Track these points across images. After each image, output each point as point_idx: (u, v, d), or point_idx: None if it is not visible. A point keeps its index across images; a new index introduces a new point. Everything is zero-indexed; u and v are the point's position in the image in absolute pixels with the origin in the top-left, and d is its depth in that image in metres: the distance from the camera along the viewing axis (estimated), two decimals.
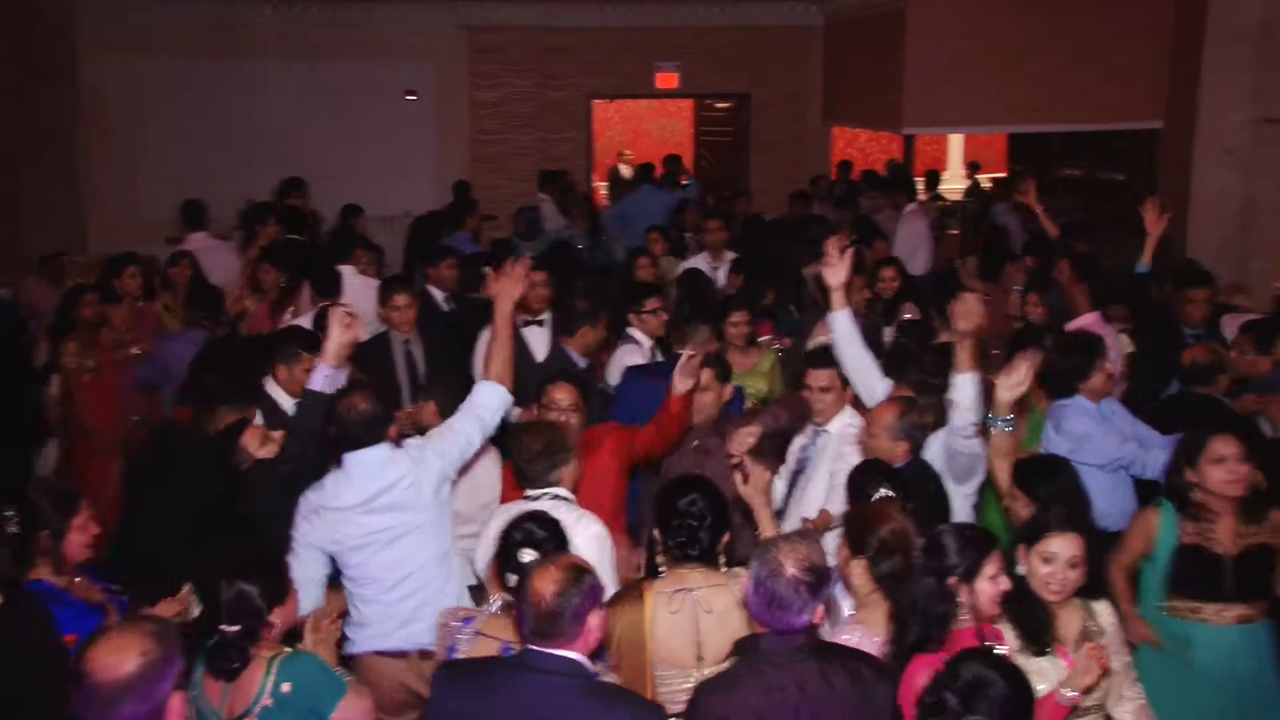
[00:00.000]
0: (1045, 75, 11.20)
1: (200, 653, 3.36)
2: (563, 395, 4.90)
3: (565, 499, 4.19)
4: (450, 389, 5.11)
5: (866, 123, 14.34)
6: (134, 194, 13.06)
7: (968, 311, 4.41)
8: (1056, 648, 3.47)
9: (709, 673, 3.35)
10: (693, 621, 3.54)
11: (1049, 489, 4.07)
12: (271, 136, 13.36)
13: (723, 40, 14.60)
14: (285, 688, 3.28)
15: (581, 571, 3.04)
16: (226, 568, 3.42)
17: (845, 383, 4.99)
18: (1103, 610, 3.59)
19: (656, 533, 3.75)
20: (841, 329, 4.92)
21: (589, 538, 3.99)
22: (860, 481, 4.04)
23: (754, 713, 2.91)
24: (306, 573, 4.13)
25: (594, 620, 3.01)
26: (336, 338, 4.52)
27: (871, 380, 4.90)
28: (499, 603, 3.58)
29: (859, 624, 3.43)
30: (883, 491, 3.93)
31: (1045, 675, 3.40)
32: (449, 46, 14.19)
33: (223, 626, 3.34)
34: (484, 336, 6.50)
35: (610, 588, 3.83)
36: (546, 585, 2.97)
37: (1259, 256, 10.92)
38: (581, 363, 6.10)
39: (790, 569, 2.94)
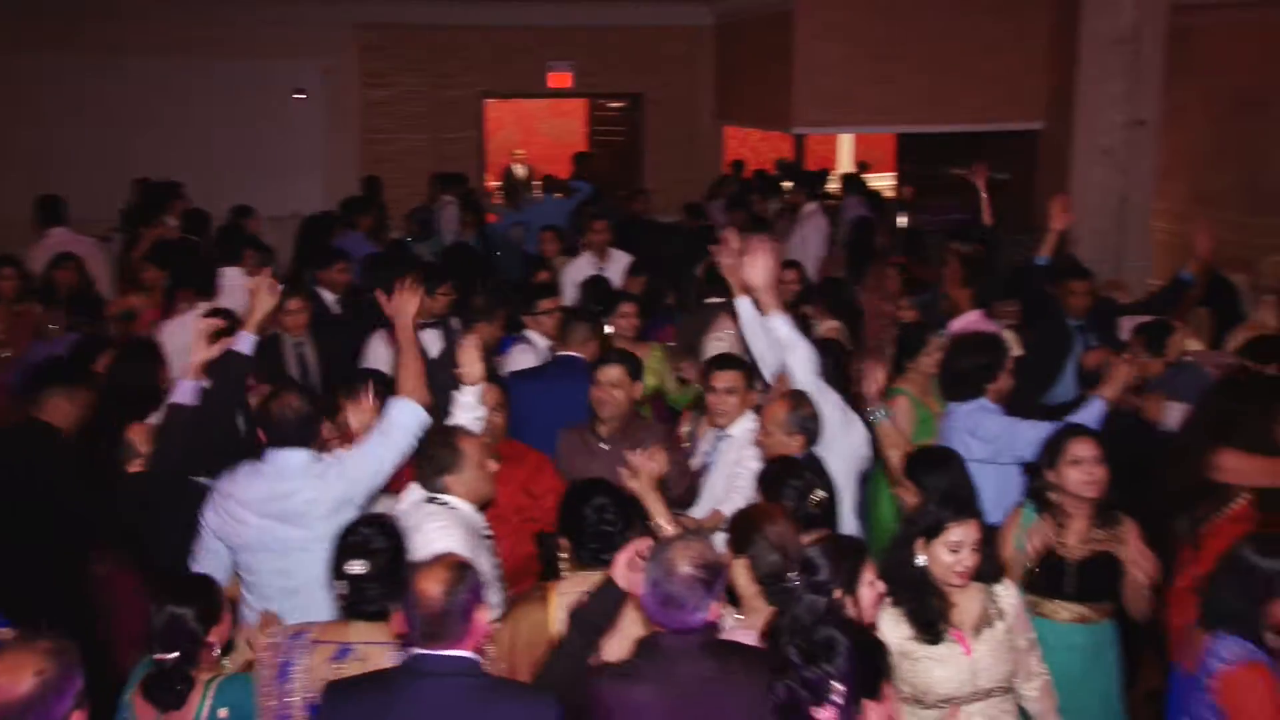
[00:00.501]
0: (931, 76, 11.44)
1: (131, 677, 3.28)
2: (490, 395, 4.83)
3: (444, 504, 4.09)
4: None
5: (757, 122, 14.48)
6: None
7: (754, 264, 4.74)
8: (953, 632, 3.54)
9: None
10: None
11: (935, 479, 4.17)
12: (155, 135, 13.03)
13: (615, 40, 14.63)
14: (223, 713, 3.22)
15: (465, 568, 3.00)
16: (157, 591, 3.33)
17: (750, 385, 5.02)
18: (1004, 593, 3.67)
19: (563, 539, 3.74)
20: (746, 315, 4.97)
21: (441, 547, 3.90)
22: (778, 478, 4.06)
23: (656, 709, 2.92)
24: (209, 567, 4.07)
25: (480, 617, 2.98)
26: (263, 305, 4.54)
27: (781, 355, 4.87)
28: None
29: (746, 630, 3.42)
30: (818, 493, 3.98)
31: (944, 661, 3.48)
32: (338, 44, 13.99)
33: (158, 654, 3.24)
34: (375, 340, 6.44)
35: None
36: (433, 585, 2.92)
37: (1134, 254, 11.32)
38: None
39: (684, 567, 2.94)
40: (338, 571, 3.45)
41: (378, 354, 6.33)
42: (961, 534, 3.53)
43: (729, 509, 4.47)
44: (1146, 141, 11.16)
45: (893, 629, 3.55)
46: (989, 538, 3.71)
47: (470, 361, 4.50)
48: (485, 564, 4.06)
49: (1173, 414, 5.52)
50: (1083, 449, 4.12)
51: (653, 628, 3.07)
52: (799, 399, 4.59)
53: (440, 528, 3.92)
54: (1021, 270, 6.93)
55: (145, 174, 11.58)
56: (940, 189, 14.24)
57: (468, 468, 4.10)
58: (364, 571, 3.39)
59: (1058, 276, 7.12)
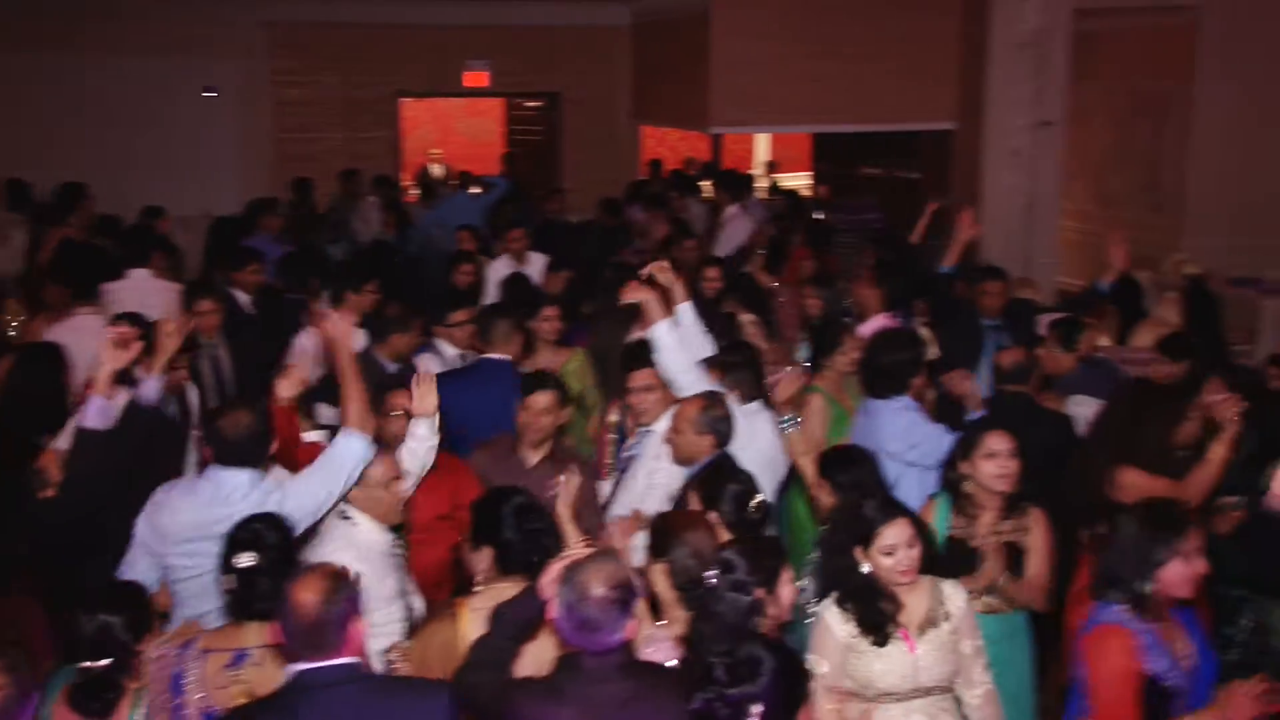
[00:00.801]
0: (846, 76, 11.56)
1: (49, 688, 3.20)
2: (404, 401, 4.73)
3: (348, 519, 4.06)
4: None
5: (675, 122, 14.53)
6: None
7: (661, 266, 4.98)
8: (900, 631, 3.57)
9: None
10: None
11: (848, 476, 4.22)
12: (61, 133, 12.71)
13: (532, 39, 14.58)
14: None
15: (341, 578, 2.96)
16: (86, 600, 3.26)
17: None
18: (952, 593, 3.69)
19: (488, 548, 3.68)
20: (662, 339, 4.97)
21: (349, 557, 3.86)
22: (716, 481, 4.06)
23: None
24: (140, 574, 3.97)
25: (356, 628, 2.94)
26: (169, 346, 4.37)
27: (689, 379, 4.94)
28: None
29: (664, 637, 3.42)
30: (760, 498, 4.00)
31: (886, 656, 3.52)
32: (249, 42, 13.76)
33: (86, 663, 3.17)
34: (302, 338, 6.37)
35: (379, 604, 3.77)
36: (308, 595, 2.87)
37: (1042, 253, 11.58)
38: (390, 368, 6.00)
39: (598, 589, 2.91)
40: (226, 566, 3.39)
41: (304, 352, 6.26)
42: (894, 535, 3.54)
43: (648, 508, 4.49)
44: (1053, 143, 11.42)
45: (839, 624, 3.57)
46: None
47: (424, 395, 4.42)
48: (390, 583, 4.03)
49: (1085, 409, 5.64)
50: (998, 442, 4.20)
51: (569, 647, 3.05)
52: (712, 399, 4.61)
53: (331, 551, 3.88)
54: (932, 277, 7.05)
55: (51, 173, 11.26)
56: (855, 188, 14.43)
57: (367, 485, 4.04)
58: (253, 565, 3.33)
59: (970, 278, 7.27)
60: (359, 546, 3.99)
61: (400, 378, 5.32)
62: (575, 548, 3.67)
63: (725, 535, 3.81)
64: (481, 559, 3.64)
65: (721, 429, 4.53)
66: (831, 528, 3.86)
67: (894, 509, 3.63)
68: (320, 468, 4.02)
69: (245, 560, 3.35)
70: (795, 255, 9.03)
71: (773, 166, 16.56)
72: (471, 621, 3.47)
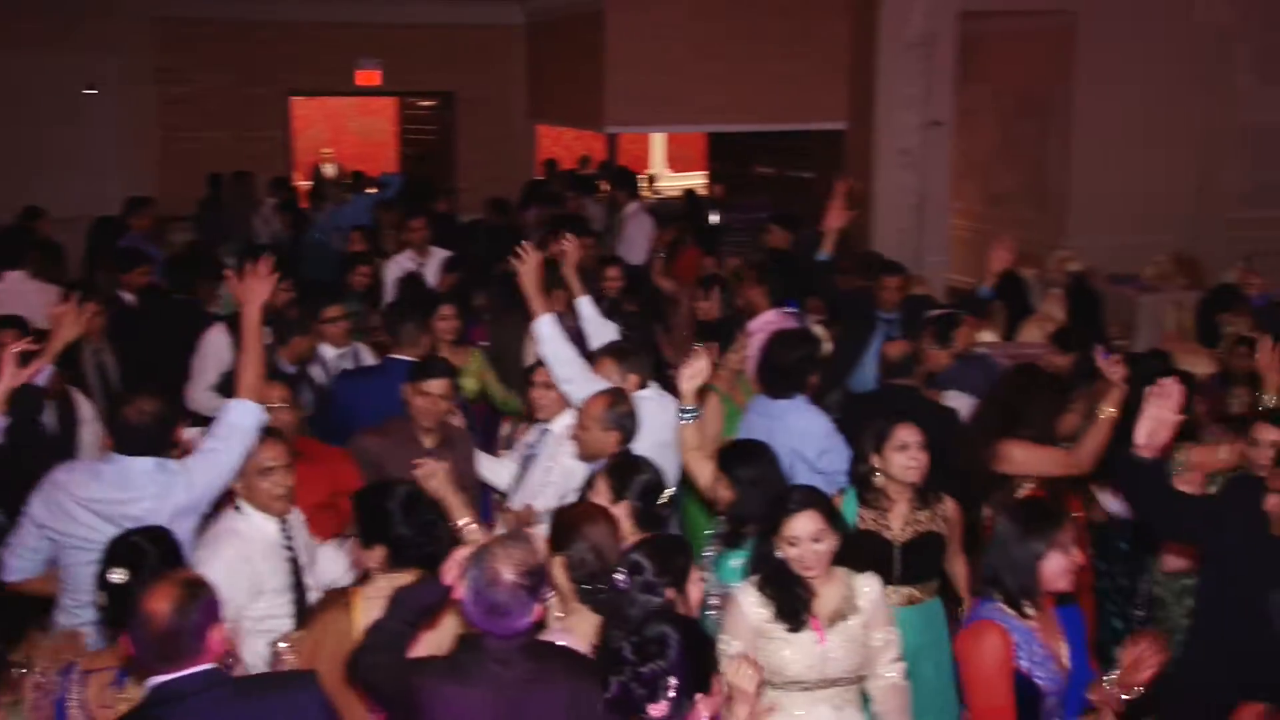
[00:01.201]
0: (739, 76, 11.68)
1: None
2: (274, 391, 4.67)
3: (238, 511, 4.03)
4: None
5: (570, 121, 14.53)
6: None
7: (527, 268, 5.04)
8: (812, 621, 3.60)
9: None
10: None
11: (749, 471, 4.25)
12: None
13: (424, 38, 14.46)
14: None
15: (197, 586, 2.88)
16: None
17: None
18: (865, 586, 3.72)
19: (380, 546, 3.63)
20: (546, 333, 5.03)
21: (234, 547, 3.87)
22: (625, 473, 4.06)
23: (478, 711, 2.90)
24: (25, 564, 3.94)
25: (215, 635, 2.86)
26: (66, 335, 4.38)
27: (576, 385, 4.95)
28: None
29: (567, 631, 3.42)
30: (669, 492, 3.99)
31: (795, 644, 3.56)
32: (133, 38, 13.41)
33: None
34: (214, 333, 6.23)
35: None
36: (161, 605, 2.78)
37: (933, 250, 11.83)
38: (290, 370, 5.91)
39: (508, 575, 2.91)
40: (100, 581, 3.29)
41: (218, 348, 6.12)
42: (799, 527, 3.57)
43: (541, 503, 4.50)
44: (942, 143, 11.68)
45: (753, 608, 3.59)
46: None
47: None
48: (280, 575, 3.97)
49: (960, 405, 5.74)
50: (908, 434, 4.25)
51: (473, 629, 3.03)
52: (617, 396, 4.63)
53: (208, 555, 3.84)
54: (814, 265, 7.11)
55: None
56: (750, 187, 14.57)
57: (246, 473, 3.99)
58: (125, 580, 3.22)
59: (869, 272, 7.38)
60: (245, 537, 3.94)
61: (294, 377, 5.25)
62: (465, 520, 3.65)
63: (631, 527, 3.83)
64: (374, 557, 3.58)
65: (627, 425, 4.55)
66: (727, 519, 3.88)
67: (804, 502, 3.65)
68: (216, 439, 3.99)
69: (117, 576, 3.24)
70: (688, 256, 9.09)
71: (652, 180, 16.69)
72: (365, 610, 3.42)
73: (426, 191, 11.89)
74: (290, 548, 4.04)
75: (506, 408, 6.35)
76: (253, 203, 12.02)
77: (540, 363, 5.14)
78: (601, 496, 3.94)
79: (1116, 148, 11.91)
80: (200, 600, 2.83)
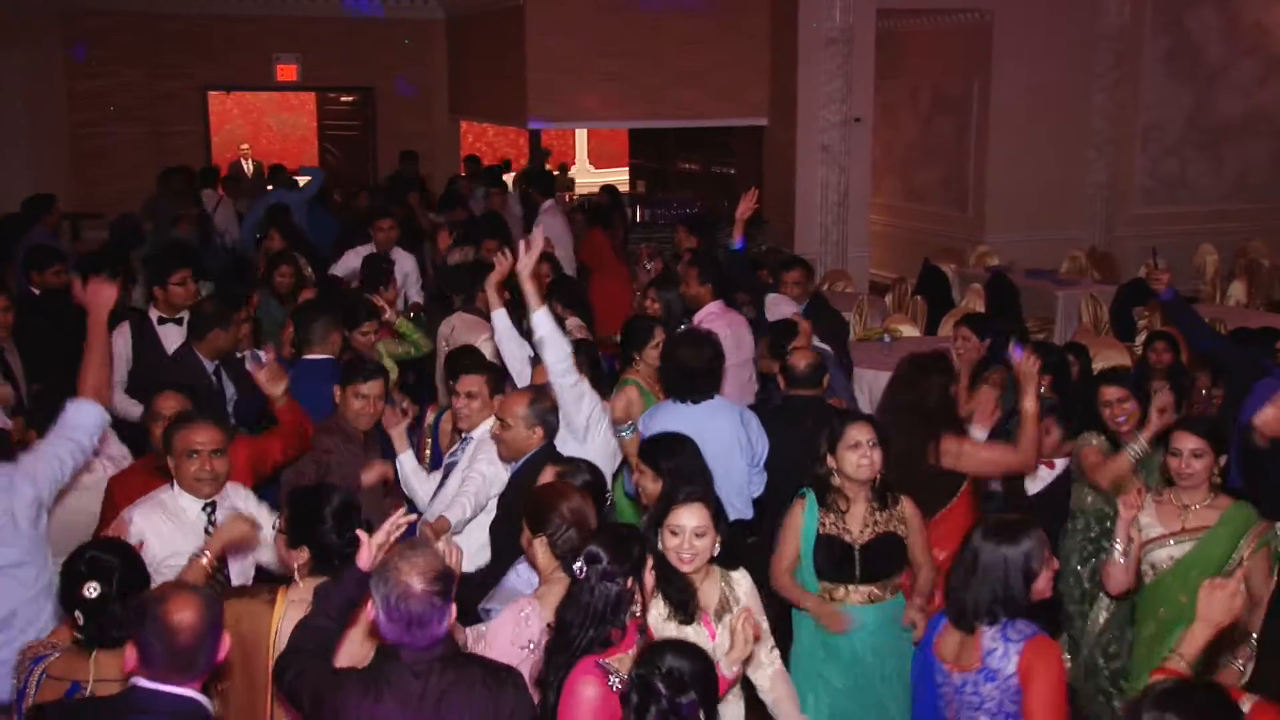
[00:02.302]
0: (661, 73, 11.73)
1: None
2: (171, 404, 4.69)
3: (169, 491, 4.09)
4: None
5: (492, 117, 14.46)
6: None
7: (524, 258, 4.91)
8: (701, 616, 3.61)
9: None
10: None
11: (671, 462, 4.27)
12: None
13: (343, 32, 14.30)
14: None
15: (212, 599, 2.85)
16: None
17: (494, 391, 4.99)
18: (740, 579, 3.76)
19: (305, 549, 3.57)
20: (501, 325, 5.05)
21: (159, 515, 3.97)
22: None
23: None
24: None
25: (222, 653, 2.84)
26: None
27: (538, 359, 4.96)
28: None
29: (535, 600, 3.45)
30: (608, 495, 4.00)
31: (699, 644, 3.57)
32: (39, 31, 13.07)
33: None
34: (115, 336, 6.10)
35: None
36: (187, 615, 2.73)
37: (856, 244, 11.95)
38: (209, 365, 5.81)
39: (419, 585, 2.85)
40: (69, 600, 3.19)
41: (120, 349, 6.00)
42: (684, 517, 3.59)
43: (454, 514, 4.48)
44: (862, 139, 11.80)
45: (654, 618, 3.59)
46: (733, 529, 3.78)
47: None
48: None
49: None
50: (860, 433, 4.25)
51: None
52: (539, 392, 4.60)
53: (137, 513, 3.96)
54: (725, 258, 7.14)
55: None
56: (672, 183, 14.62)
57: (175, 453, 4.05)
58: (101, 593, 3.13)
59: (774, 268, 7.42)
60: (169, 510, 4.03)
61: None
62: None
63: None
64: (299, 557, 3.54)
65: (551, 420, 4.53)
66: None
67: (694, 495, 3.66)
68: (54, 435, 4.04)
69: (92, 590, 3.14)
70: (597, 241, 9.17)
71: (565, 169, 16.69)
72: (288, 612, 3.37)
73: (407, 186, 11.73)
74: (211, 531, 4.02)
75: (418, 349, 6.60)
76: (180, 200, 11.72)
77: (463, 371, 5.11)
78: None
79: (1029, 144, 12.16)
80: (217, 610, 2.81)
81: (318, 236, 10.09)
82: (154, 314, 6.34)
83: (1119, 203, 12.80)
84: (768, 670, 3.78)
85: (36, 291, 7.17)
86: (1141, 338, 7.96)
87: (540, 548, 3.58)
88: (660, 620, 3.59)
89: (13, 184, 12.16)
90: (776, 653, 3.83)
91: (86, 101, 13.44)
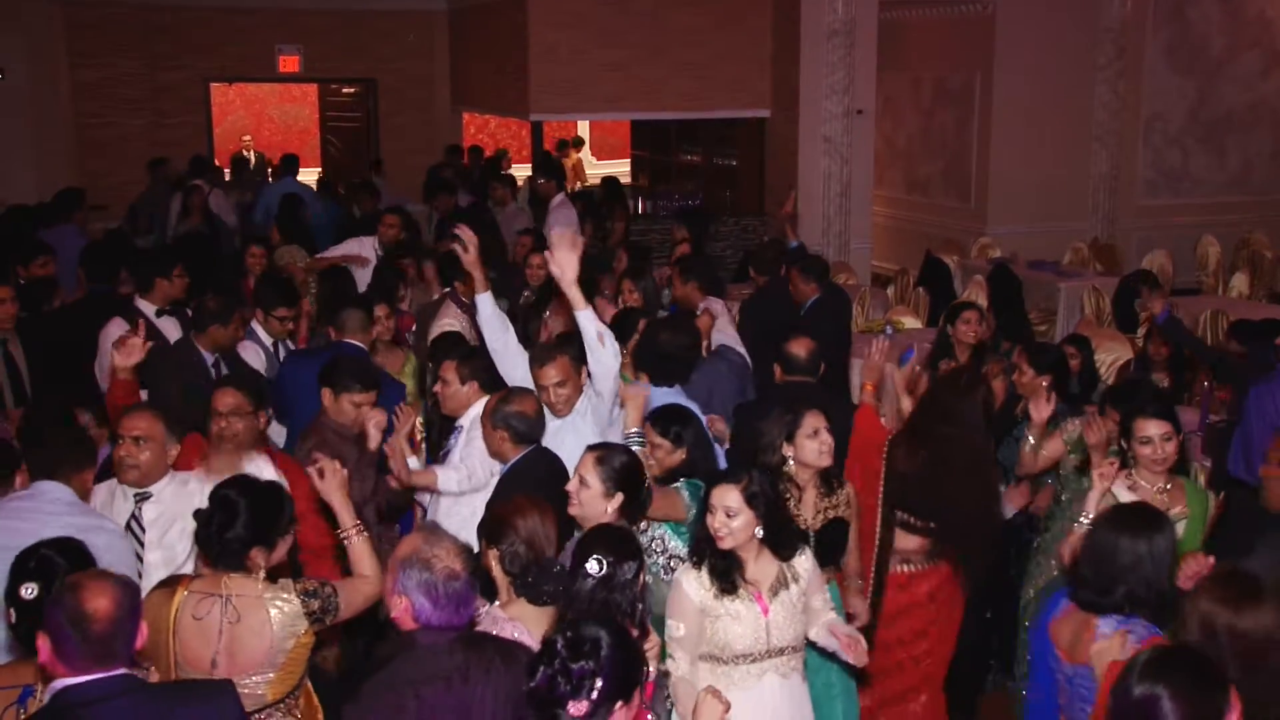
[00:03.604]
0: (664, 65, 11.73)
1: None
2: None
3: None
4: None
5: (495, 109, 14.45)
6: None
7: (562, 259, 4.68)
8: (753, 592, 3.67)
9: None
10: (216, 630, 3.34)
11: (689, 430, 4.38)
12: None
13: (346, 23, 14.29)
14: None
15: (128, 583, 2.80)
16: None
17: (472, 374, 4.99)
18: (800, 558, 3.81)
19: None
20: (486, 311, 4.98)
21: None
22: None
23: (417, 707, 2.89)
24: None
25: (141, 634, 2.80)
26: None
27: (512, 365, 4.94)
28: None
29: (514, 620, 3.41)
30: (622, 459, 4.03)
31: (741, 619, 3.65)
32: (42, 21, 13.06)
33: None
34: (107, 333, 6.12)
35: None
36: (103, 602, 2.68)
37: (858, 236, 11.95)
38: (209, 359, 5.83)
39: (458, 565, 2.98)
40: (10, 598, 3.12)
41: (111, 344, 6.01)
42: (716, 498, 3.64)
43: (446, 476, 4.62)
44: (865, 130, 11.79)
45: (695, 589, 3.66)
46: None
47: None
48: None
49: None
50: (817, 420, 4.35)
51: (410, 625, 3.02)
52: (510, 394, 4.59)
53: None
54: (776, 253, 7.19)
55: None
56: (673, 174, 14.62)
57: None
58: (37, 595, 3.05)
59: (787, 266, 7.44)
60: (107, 489, 4.15)
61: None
62: (346, 524, 3.63)
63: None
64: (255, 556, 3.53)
65: (515, 425, 4.49)
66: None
67: (728, 476, 3.72)
68: None
69: (29, 591, 3.08)
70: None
71: (563, 145, 16.65)
72: (184, 605, 3.35)
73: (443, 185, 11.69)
74: (137, 518, 4.07)
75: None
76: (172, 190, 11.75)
77: (442, 357, 5.12)
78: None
79: (1033, 135, 12.15)
80: (133, 597, 2.76)
81: (323, 227, 10.14)
82: (149, 307, 6.33)
83: (1121, 195, 12.80)
84: (824, 619, 3.88)
85: (22, 283, 7.15)
86: (1143, 330, 7.98)
87: (493, 561, 3.53)
88: (707, 602, 3.65)
89: (16, 174, 12.20)
90: (835, 615, 3.99)
91: (88, 91, 13.43)
